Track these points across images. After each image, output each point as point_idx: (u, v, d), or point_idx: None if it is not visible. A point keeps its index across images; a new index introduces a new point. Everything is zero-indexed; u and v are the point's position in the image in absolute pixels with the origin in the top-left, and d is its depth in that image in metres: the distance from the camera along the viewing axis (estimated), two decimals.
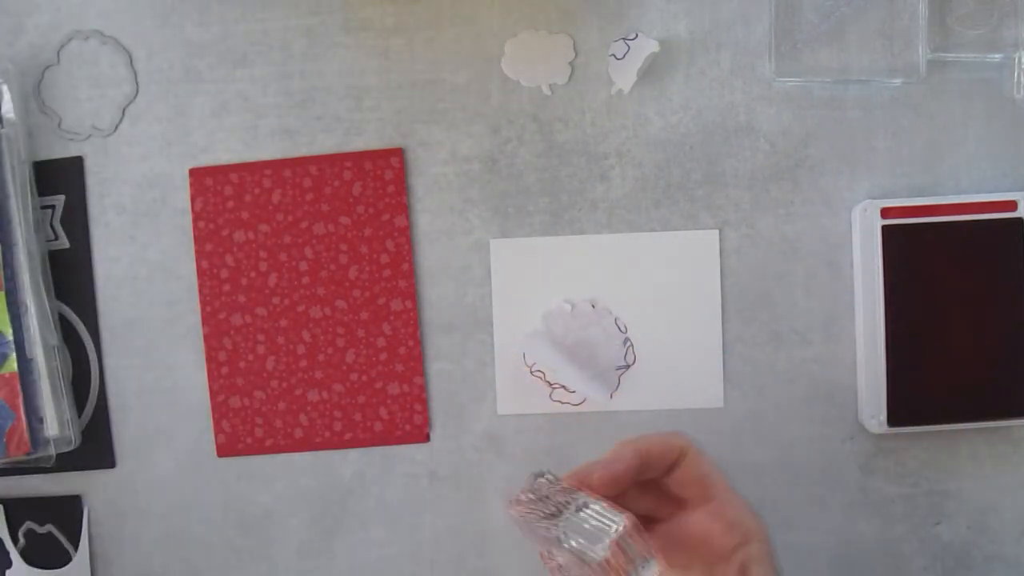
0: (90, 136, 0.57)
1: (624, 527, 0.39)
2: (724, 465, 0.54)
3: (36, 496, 0.58)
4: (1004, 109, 0.55)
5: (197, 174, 0.56)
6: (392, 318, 0.56)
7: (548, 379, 0.56)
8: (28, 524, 0.58)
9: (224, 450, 0.57)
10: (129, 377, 0.57)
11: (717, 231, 0.56)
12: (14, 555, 0.58)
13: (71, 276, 0.57)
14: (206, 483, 0.57)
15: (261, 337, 0.57)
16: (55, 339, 0.56)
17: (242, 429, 0.57)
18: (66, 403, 0.56)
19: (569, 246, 0.56)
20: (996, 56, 0.54)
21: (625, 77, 0.55)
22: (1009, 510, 0.56)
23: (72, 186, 0.57)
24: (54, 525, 0.58)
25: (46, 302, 0.56)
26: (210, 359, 0.57)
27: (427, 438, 0.57)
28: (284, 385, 0.57)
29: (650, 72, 0.56)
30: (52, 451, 0.55)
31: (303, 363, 0.57)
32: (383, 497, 0.58)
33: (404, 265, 0.56)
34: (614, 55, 0.55)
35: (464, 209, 0.56)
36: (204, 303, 0.57)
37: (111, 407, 0.58)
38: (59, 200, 0.57)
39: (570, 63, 0.56)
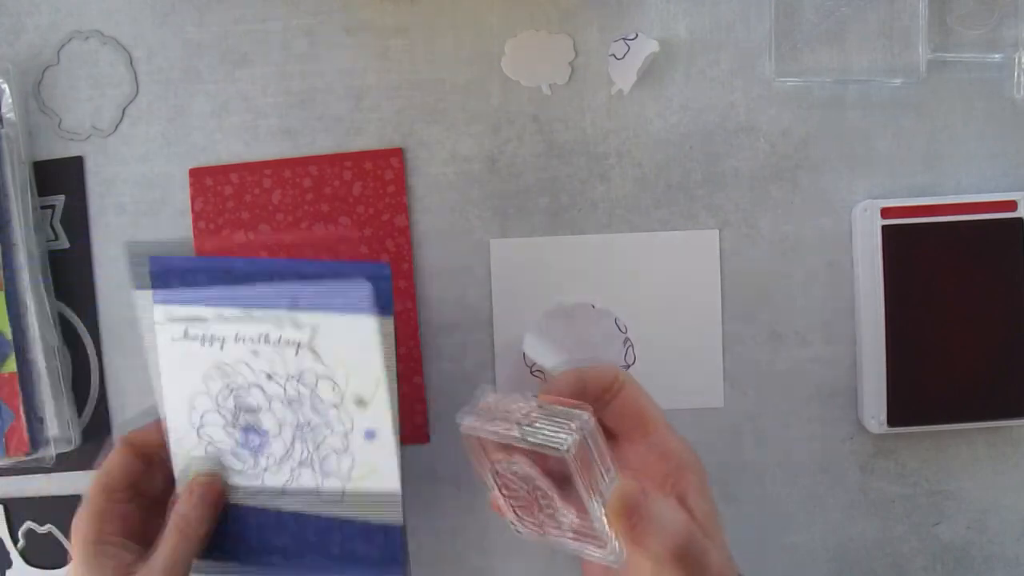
0: (90, 136, 0.57)
1: (590, 419, 0.39)
2: (724, 465, 0.54)
3: (36, 496, 0.58)
4: (1004, 109, 0.55)
5: (197, 174, 0.56)
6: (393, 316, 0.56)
7: (548, 379, 0.56)
8: (28, 524, 0.58)
9: None
10: (129, 377, 0.57)
11: (717, 231, 0.56)
12: (14, 555, 0.58)
13: (71, 276, 0.57)
14: None
15: None
16: (55, 339, 0.56)
17: None
18: (66, 403, 0.56)
19: (569, 246, 0.56)
20: (996, 56, 0.54)
21: (625, 77, 0.55)
22: (1009, 510, 0.56)
23: (72, 186, 0.57)
24: (54, 525, 0.58)
25: (46, 302, 0.56)
26: None
27: (427, 439, 0.57)
28: None
29: (650, 72, 0.56)
30: (52, 451, 0.55)
31: None
32: None
33: (404, 265, 0.56)
34: (614, 55, 0.55)
35: (464, 209, 0.56)
36: None
37: (111, 407, 0.58)
38: (59, 200, 0.57)
39: (570, 63, 0.56)
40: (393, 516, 0.46)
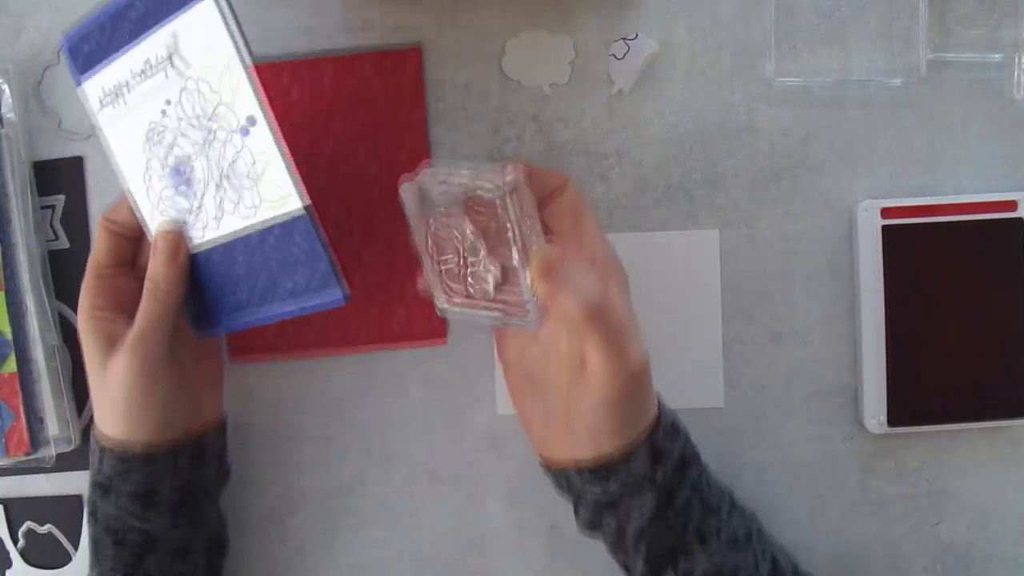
0: (90, 136, 0.57)
1: (521, 175, 0.43)
2: (724, 465, 0.54)
3: (36, 496, 0.58)
4: (1004, 109, 0.55)
5: None
6: None
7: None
8: (28, 524, 0.58)
9: (235, 352, 0.57)
10: None
11: (717, 231, 0.56)
12: (14, 555, 0.58)
13: (71, 276, 0.57)
14: None
15: None
16: (55, 339, 0.56)
17: (253, 331, 0.56)
18: (66, 403, 0.56)
19: None
20: (996, 56, 0.54)
21: (625, 77, 0.55)
22: (1009, 510, 0.56)
23: (72, 186, 0.57)
24: (54, 525, 0.58)
25: (46, 302, 0.56)
26: None
27: (445, 338, 0.56)
28: None
29: (650, 72, 0.56)
30: (52, 451, 0.55)
31: None
32: (383, 497, 0.58)
33: (422, 162, 0.56)
34: (614, 55, 0.55)
35: None
36: None
37: None
38: (59, 200, 0.57)
39: (570, 63, 0.56)
40: (295, 202, 0.46)
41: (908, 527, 0.57)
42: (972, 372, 0.54)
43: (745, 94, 0.56)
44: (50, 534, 0.58)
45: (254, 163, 0.46)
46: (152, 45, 0.47)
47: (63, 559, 0.58)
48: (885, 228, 0.54)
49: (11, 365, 0.54)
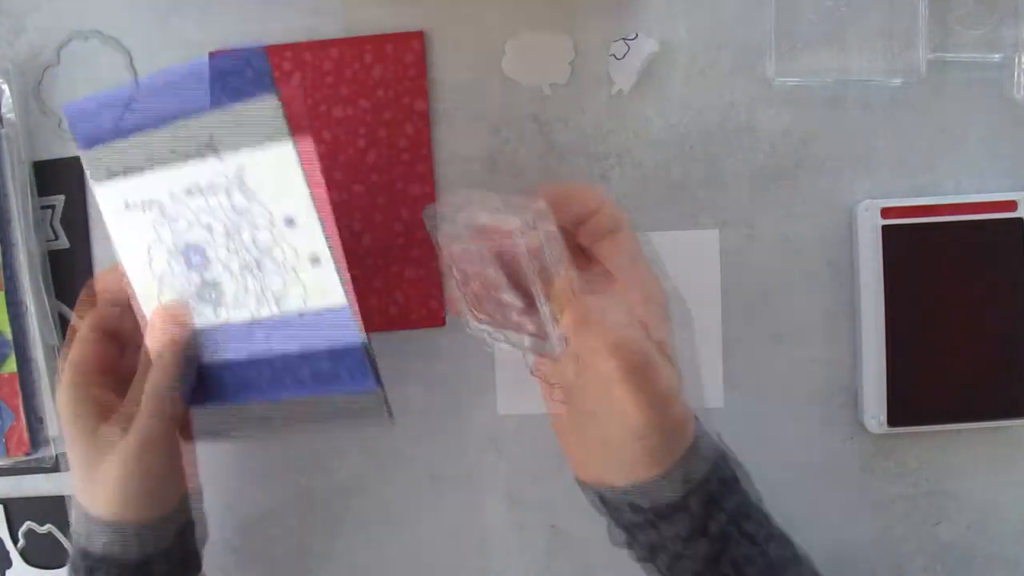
0: None
1: (545, 208, 0.42)
2: None
3: (36, 496, 0.58)
4: (1004, 109, 0.55)
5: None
6: (410, 202, 0.56)
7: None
8: (28, 524, 0.58)
9: None
10: None
11: (717, 231, 0.56)
12: (14, 555, 0.58)
13: (71, 276, 0.57)
14: (206, 482, 0.57)
15: None
16: (55, 339, 0.56)
17: None
18: None
19: None
20: (996, 56, 0.54)
21: (625, 77, 0.55)
22: (1009, 510, 0.56)
23: (72, 186, 0.57)
24: (54, 525, 0.58)
25: (46, 302, 0.56)
26: None
27: (443, 322, 0.57)
28: None
29: (650, 72, 0.56)
30: (52, 451, 0.55)
31: None
32: (383, 497, 0.58)
33: (423, 149, 0.56)
34: (614, 55, 0.55)
35: None
36: None
37: None
38: (59, 200, 0.57)
39: (570, 63, 0.56)
40: (349, 333, 0.46)
41: (908, 527, 0.57)
42: (972, 372, 0.54)
43: (745, 94, 0.56)
44: (50, 534, 0.58)
45: (305, 295, 0.46)
46: (201, 169, 0.46)
47: (63, 559, 0.58)
48: (885, 228, 0.54)
49: (11, 365, 0.55)
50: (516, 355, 0.56)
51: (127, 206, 0.48)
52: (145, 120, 0.46)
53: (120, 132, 0.46)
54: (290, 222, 0.45)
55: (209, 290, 0.48)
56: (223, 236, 0.47)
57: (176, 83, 0.44)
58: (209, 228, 0.47)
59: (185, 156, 0.46)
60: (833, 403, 0.56)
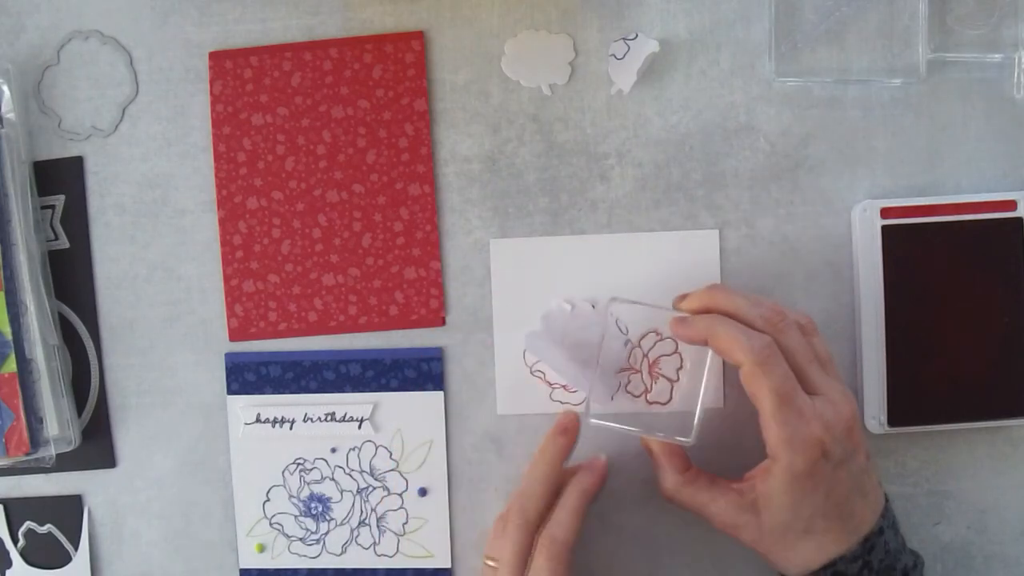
0: (90, 136, 0.57)
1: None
2: (725, 465, 0.54)
3: (36, 496, 0.58)
4: (1004, 109, 0.55)
5: (217, 57, 0.56)
6: (410, 203, 0.56)
7: (548, 379, 0.56)
8: (28, 524, 0.58)
9: (236, 334, 0.57)
10: (129, 377, 0.57)
11: (717, 231, 0.56)
12: (14, 555, 0.58)
13: (71, 276, 0.57)
14: (206, 482, 0.57)
15: (277, 221, 0.56)
16: (55, 339, 0.56)
17: (255, 313, 0.56)
18: (66, 403, 0.56)
19: (569, 246, 0.56)
20: (996, 56, 0.54)
21: (625, 77, 0.55)
22: (1009, 510, 0.56)
23: (72, 186, 0.57)
24: (54, 525, 0.58)
25: (46, 302, 0.56)
26: (224, 243, 0.57)
27: (443, 322, 0.57)
28: (299, 269, 0.56)
29: (650, 72, 0.56)
30: (52, 451, 0.55)
31: (319, 247, 0.56)
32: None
33: (423, 149, 0.56)
34: (614, 55, 0.55)
35: (464, 209, 0.56)
36: (220, 186, 0.56)
37: (111, 407, 0.58)
38: (59, 200, 0.57)
39: (570, 63, 0.56)
40: (442, 562, 0.55)
41: (908, 527, 0.56)
42: (972, 372, 0.54)
43: (745, 94, 0.56)
44: (50, 534, 0.58)
45: (407, 521, 0.56)
46: (341, 402, 0.56)
47: (63, 559, 0.58)
48: (885, 228, 0.54)
49: (11, 365, 0.54)
50: (516, 355, 0.56)
51: (258, 419, 0.57)
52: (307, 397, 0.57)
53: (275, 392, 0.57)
54: (414, 464, 0.56)
55: (316, 507, 0.56)
56: (344, 465, 0.57)
57: (341, 359, 0.56)
58: (330, 455, 0.57)
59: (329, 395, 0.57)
60: None
